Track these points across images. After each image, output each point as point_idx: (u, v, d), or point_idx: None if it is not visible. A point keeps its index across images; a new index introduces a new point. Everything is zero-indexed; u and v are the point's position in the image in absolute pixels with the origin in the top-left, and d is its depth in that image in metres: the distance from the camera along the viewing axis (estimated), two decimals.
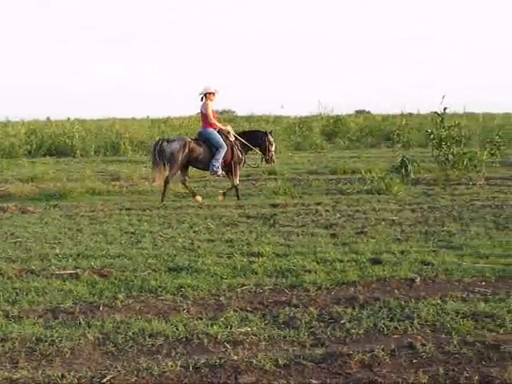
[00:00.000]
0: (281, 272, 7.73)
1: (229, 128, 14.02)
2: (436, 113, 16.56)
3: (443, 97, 16.37)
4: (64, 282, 7.46)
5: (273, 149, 14.32)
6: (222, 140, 13.53)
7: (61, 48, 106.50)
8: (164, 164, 13.39)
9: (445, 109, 16.31)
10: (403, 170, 15.44)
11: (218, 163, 13.45)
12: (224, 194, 13.72)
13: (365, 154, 23.45)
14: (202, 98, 13.78)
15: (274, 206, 12.68)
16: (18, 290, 7.15)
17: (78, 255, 8.69)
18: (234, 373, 5.02)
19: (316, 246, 8.97)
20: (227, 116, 39.82)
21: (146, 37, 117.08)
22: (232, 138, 13.76)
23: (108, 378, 4.95)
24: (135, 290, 7.14)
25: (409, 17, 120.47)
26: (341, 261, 8.14)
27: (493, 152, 16.78)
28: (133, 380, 4.93)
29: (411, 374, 4.96)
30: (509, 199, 12.97)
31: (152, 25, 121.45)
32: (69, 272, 7.85)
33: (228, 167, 13.78)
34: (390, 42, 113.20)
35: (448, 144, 15.91)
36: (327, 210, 12.02)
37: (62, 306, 6.64)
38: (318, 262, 8.10)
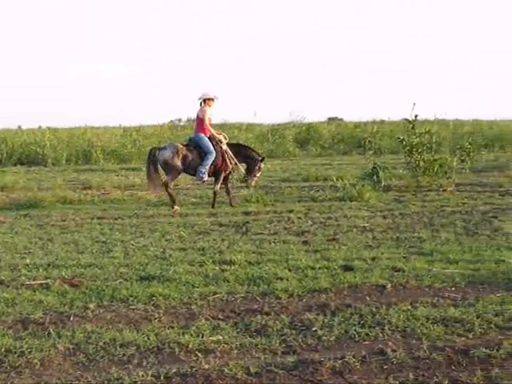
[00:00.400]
0: (253, 280, 7.73)
1: (221, 137, 14.03)
2: (407, 120, 16.67)
3: (414, 104, 16.53)
4: (34, 292, 7.40)
5: (258, 174, 14.48)
6: (211, 146, 13.55)
7: (32, 55, 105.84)
8: (158, 173, 13.46)
9: (416, 116, 16.43)
10: (375, 177, 15.55)
11: (204, 169, 13.48)
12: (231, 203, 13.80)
13: (337, 161, 23.57)
14: (201, 103, 13.80)
15: (247, 213, 12.69)
16: None
17: (49, 265, 8.61)
18: (206, 381, 5.01)
19: (288, 254, 8.98)
20: None
21: (118, 45, 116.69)
22: (224, 147, 13.77)
23: None
24: (106, 300, 7.10)
25: (379, 24, 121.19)
26: (312, 268, 8.17)
27: (463, 158, 16.92)
28: None
29: (382, 379, 4.99)
30: (478, 205, 13.09)
31: (123, 33, 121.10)
32: (39, 282, 7.79)
33: (216, 174, 13.83)
34: (360, 49, 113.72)
35: (419, 151, 16.03)
36: (299, 218, 12.04)
37: (32, 316, 6.57)
38: (289, 270, 8.12)
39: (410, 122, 16.45)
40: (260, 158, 14.42)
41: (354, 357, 5.38)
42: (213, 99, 13.88)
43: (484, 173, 18.74)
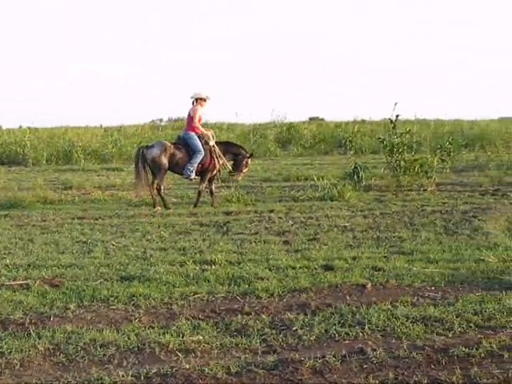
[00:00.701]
0: (233, 280, 7.73)
1: (210, 134, 14.03)
2: (390, 119, 16.70)
3: (395, 103, 16.55)
4: (14, 292, 7.36)
5: (245, 170, 14.55)
6: (200, 145, 13.57)
7: (12, 54, 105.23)
8: (146, 172, 13.40)
9: (397, 116, 16.47)
10: (355, 177, 15.60)
11: (192, 167, 13.49)
12: (195, 206, 13.73)
13: (318, 160, 23.62)
14: (193, 102, 13.81)
15: (228, 213, 12.69)
16: None
17: (29, 265, 8.58)
18: (186, 381, 5.01)
19: (269, 254, 9.00)
20: (181, 123, 39.78)
21: (99, 44, 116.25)
22: (211, 143, 13.78)
23: None
24: (87, 300, 7.08)
25: (362, 23, 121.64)
26: (293, 268, 8.18)
27: (443, 158, 16.99)
28: None
29: (362, 379, 5.02)
30: (458, 204, 13.17)
31: (104, 32, 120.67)
32: (19, 282, 7.75)
33: (203, 173, 13.82)
34: (342, 48, 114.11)
35: (400, 150, 16.06)
36: (280, 217, 12.06)
37: (11, 317, 6.54)
38: (270, 269, 8.14)
39: (391, 121, 16.48)
40: (248, 155, 14.49)
41: (334, 356, 5.40)
42: (205, 99, 13.91)
43: (464, 172, 18.84)
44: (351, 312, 6.52)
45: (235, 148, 14.66)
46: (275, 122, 33.22)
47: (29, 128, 31.28)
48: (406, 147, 16.20)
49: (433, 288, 7.37)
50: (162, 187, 13.48)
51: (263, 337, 5.95)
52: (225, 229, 11.08)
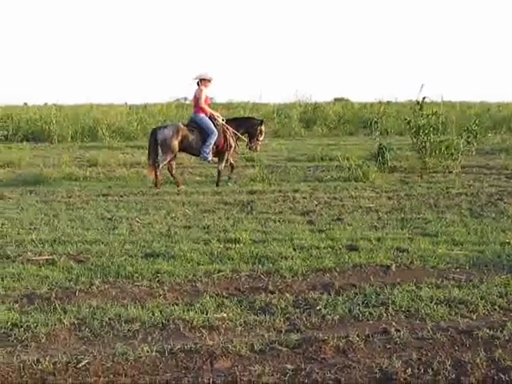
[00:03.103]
0: (257, 258, 7.75)
1: (217, 114, 14.04)
2: (416, 101, 16.56)
3: (422, 85, 16.43)
4: (40, 267, 7.44)
5: (261, 138, 14.49)
6: (213, 126, 13.58)
7: (38, 32, 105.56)
8: (157, 152, 13.37)
9: (424, 97, 16.34)
10: (380, 158, 15.51)
11: (208, 149, 13.50)
12: (217, 185, 13.77)
13: (343, 141, 23.52)
14: (198, 83, 13.80)
15: (252, 192, 12.69)
16: None
17: (55, 241, 8.66)
18: (210, 358, 5.05)
19: (293, 233, 9.00)
20: None
21: (126, 23, 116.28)
22: (221, 123, 13.79)
23: (84, 363, 4.95)
24: (111, 276, 7.13)
25: (388, 5, 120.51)
26: (317, 247, 8.18)
27: (469, 140, 16.84)
28: (108, 365, 4.94)
29: (385, 359, 5.01)
30: (484, 187, 13.07)
31: (128, 12, 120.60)
32: (45, 258, 7.83)
33: (220, 153, 13.84)
34: (368, 28, 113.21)
35: (425, 132, 15.94)
36: (304, 197, 12.05)
37: (37, 291, 6.62)
38: (294, 249, 8.13)
39: (418, 103, 16.35)
40: (259, 122, 14.51)
41: (357, 336, 5.40)
42: (209, 80, 13.87)
43: (490, 155, 18.68)
44: (375, 292, 6.52)
45: (245, 121, 14.73)
46: (300, 102, 33.06)
47: (54, 105, 31.38)
48: (431, 129, 16.06)
49: (457, 270, 7.33)
50: (161, 166, 13.35)
51: (287, 315, 5.97)
52: (249, 208, 11.09)
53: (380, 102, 33.38)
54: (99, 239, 8.73)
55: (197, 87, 13.84)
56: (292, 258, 7.69)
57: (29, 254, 8.03)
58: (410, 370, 4.82)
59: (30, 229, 9.48)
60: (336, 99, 44.23)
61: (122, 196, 12.39)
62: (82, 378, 4.76)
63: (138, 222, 9.96)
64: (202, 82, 13.78)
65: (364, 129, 27.60)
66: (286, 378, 4.74)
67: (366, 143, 21.23)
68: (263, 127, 14.46)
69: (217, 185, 13.65)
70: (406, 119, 17.23)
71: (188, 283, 6.93)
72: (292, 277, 7.10)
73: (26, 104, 39.38)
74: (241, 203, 11.52)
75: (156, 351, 5.16)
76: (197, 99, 13.77)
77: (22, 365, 4.93)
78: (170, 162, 13.57)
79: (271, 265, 7.47)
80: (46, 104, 35.64)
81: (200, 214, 10.63)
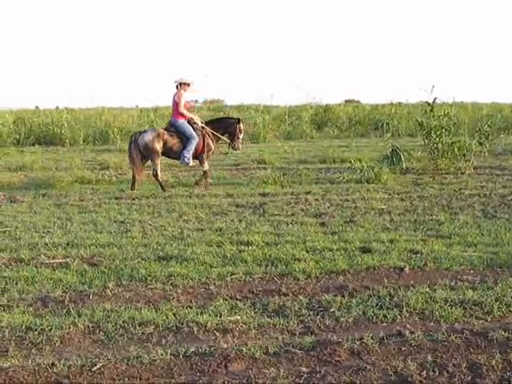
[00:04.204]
0: (270, 261, 7.74)
1: (196, 117, 14.04)
2: (427, 102, 16.52)
3: (433, 86, 16.37)
4: (54, 270, 7.47)
5: (241, 136, 14.38)
6: (192, 130, 13.52)
7: (48, 36, 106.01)
8: (139, 158, 13.36)
9: (435, 98, 16.29)
10: (393, 160, 15.47)
11: (189, 154, 13.46)
12: (196, 183, 13.88)
13: (354, 143, 23.45)
14: (177, 87, 13.75)
15: (264, 195, 12.69)
16: (7, 279, 7.16)
17: (68, 244, 8.69)
18: (224, 361, 5.04)
19: (305, 235, 8.99)
20: (216, 105, 39.77)
21: (138, 27, 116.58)
22: (200, 125, 13.73)
23: (98, 366, 4.96)
24: (125, 279, 7.15)
25: (399, 6, 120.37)
26: (330, 249, 8.17)
27: (481, 141, 16.79)
28: (123, 368, 4.94)
29: (400, 361, 5.00)
30: (497, 188, 13.01)
31: (139, 16, 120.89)
32: (58, 261, 7.85)
33: (199, 156, 13.79)
34: (378, 30, 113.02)
35: (437, 133, 15.89)
36: (317, 199, 12.03)
37: (51, 294, 6.65)
38: (307, 251, 8.13)
39: (429, 104, 16.30)
40: (236, 120, 14.46)
41: (371, 338, 5.39)
42: (189, 84, 13.78)
43: (503, 156, 18.57)
44: (389, 294, 6.51)
45: (222, 121, 14.59)
46: (311, 104, 33.03)
47: (66, 109, 31.46)
48: (443, 130, 16.02)
49: (471, 272, 7.31)
50: (159, 172, 13.36)
51: (301, 318, 5.97)
52: (261, 210, 11.09)
53: (391, 104, 33.30)
54: (112, 242, 8.75)
55: (176, 91, 13.76)
56: (305, 261, 7.68)
57: (42, 257, 8.05)
58: (424, 372, 4.81)
59: (44, 232, 9.51)
60: (347, 101, 44.18)
61: (134, 199, 12.42)
62: (96, 381, 4.77)
63: (150, 224, 9.97)
64: (182, 85, 13.69)
65: (375, 130, 27.57)
66: (301, 381, 4.73)
67: (377, 145, 21.19)
68: (241, 125, 14.34)
69: (205, 187, 13.61)
70: (417, 120, 17.19)
71: (201, 286, 6.93)
72: (305, 279, 7.09)
73: (37, 108, 39.45)
74: (253, 205, 11.52)
75: (170, 354, 5.16)
76: (176, 104, 13.66)
77: (36, 368, 4.94)
78: (144, 164, 13.58)
79: (284, 267, 7.47)
80: (57, 108, 35.70)
81: (212, 216, 10.64)
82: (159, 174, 13.40)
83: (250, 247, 8.32)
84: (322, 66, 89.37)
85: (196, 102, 47.62)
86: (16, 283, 7.02)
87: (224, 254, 8.01)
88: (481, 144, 16.78)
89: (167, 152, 13.56)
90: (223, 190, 13.25)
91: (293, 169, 16.26)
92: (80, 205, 11.89)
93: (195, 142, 13.46)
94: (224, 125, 14.30)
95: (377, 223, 9.84)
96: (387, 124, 25.96)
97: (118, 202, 12.14)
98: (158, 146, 13.25)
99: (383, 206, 11.21)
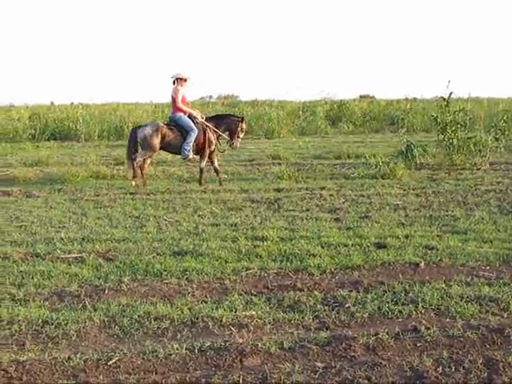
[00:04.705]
0: (285, 256, 7.74)
1: (196, 112, 14.03)
2: (442, 97, 16.45)
3: (449, 81, 16.30)
4: (69, 265, 7.50)
5: (242, 135, 14.29)
6: (192, 123, 13.49)
7: (64, 32, 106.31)
8: (136, 151, 13.42)
9: (450, 93, 16.21)
10: (408, 155, 15.42)
11: (189, 147, 13.42)
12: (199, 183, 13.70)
13: (369, 138, 23.44)
14: (174, 82, 13.73)
15: (279, 190, 12.69)
16: (23, 274, 7.20)
17: (83, 239, 8.72)
18: (240, 355, 5.04)
19: (320, 231, 8.98)
20: (231, 101, 39.79)
21: (151, 23, 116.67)
22: (200, 120, 13.70)
23: (114, 360, 4.98)
24: (140, 274, 7.17)
25: (412, 2, 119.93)
26: (345, 245, 8.16)
27: (497, 137, 16.70)
28: (139, 362, 4.96)
29: (415, 357, 4.98)
30: None
31: (153, 13, 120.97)
32: (74, 256, 7.89)
33: (201, 151, 13.76)
34: (393, 25, 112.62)
35: (453, 129, 15.82)
36: (331, 195, 12.02)
37: (67, 289, 6.68)
38: (322, 247, 8.12)
39: (444, 99, 16.23)
40: (239, 119, 14.36)
41: (387, 334, 5.38)
42: (185, 79, 13.75)
43: None
44: (404, 290, 6.50)
45: (225, 118, 14.46)
46: (325, 99, 33.00)
47: (81, 104, 31.59)
48: (459, 125, 15.94)
49: (487, 268, 7.28)
50: (138, 159, 13.34)
51: (316, 313, 5.97)
52: (276, 205, 11.08)
53: (406, 99, 33.22)
54: (127, 237, 8.78)
55: (173, 86, 13.74)
56: (320, 256, 7.67)
57: (58, 251, 8.09)
58: (440, 368, 4.79)
59: (59, 227, 9.56)
60: (361, 96, 44.13)
61: (149, 194, 12.45)
62: (112, 375, 4.78)
63: (165, 220, 10.00)
64: (179, 81, 13.66)
65: (390, 126, 27.53)
66: (316, 376, 4.72)
67: (392, 140, 21.16)
68: (244, 124, 14.27)
69: (199, 183, 13.59)
70: (432, 116, 17.11)
71: (216, 281, 6.94)
72: (320, 274, 7.09)
73: (52, 103, 39.62)
74: (268, 201, 11.52)
75: (185, 349, 5.17)
76: (173, 99, 13.66)
77: (53, 362, 4.97)
78: (145, 159, 13.57)
79: (299, 262, 7.47)
80: (72, 103, 35.83)
81: (227, 211, 10.64)
82: (137, 160, 13.33)
83: (265, 242, 8.32)
84: (337, 62, 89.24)
85: (210, 97, 47.77)
86: (32, 277, 7.06)
87: (239, 249, 8.02)
88: (497, 139, 16.68)
89: (166, 146, 13.56)
90: (238, 186, 13.27)
91: (307, 164, 16.27)
92: (95, 200, 11.94)
93: (195, 134, 13.42)
94: (226, 122, 14.19)
95: (392, 219, 9.81)
96: (402, 119, 25.91)
97: (132, 197, 12.17)
98: (157, 141, 13.25)
99: (398, 202, 11.18)
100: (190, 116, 13.62)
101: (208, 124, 13.76)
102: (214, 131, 13.84)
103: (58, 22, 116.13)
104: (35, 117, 27.22)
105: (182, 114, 13.58)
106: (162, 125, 13.59)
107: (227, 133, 14.19)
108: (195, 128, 13.44)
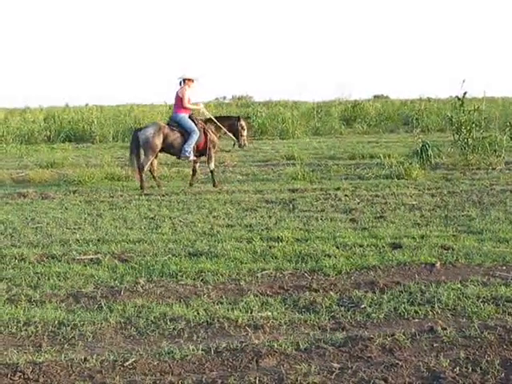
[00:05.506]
0: (301, 257, 7.74)
1: (201, 106, 14.14)
2: (456, 97, 16.39)
3: (463, 81, 16.23)
4: (85, 266, 7.53)
5: (244, 133, 14.23)
6: (193, 125, 13.48)
7: (78, 34, 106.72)
8: (139, 156, 13.38)
9: (465, 93, 16.15)
10: (423, 155, 15.36)
11: (189, 148, 13.39)
12: (214, 186, 13.60)
13: (383, 138, 23.39)
14: (181, 83, 13.72)
15: (293, 191, 12.68)
16: (39, 275, 7.23)
17: (99, 240, 8.75)
18: (256, 356, 5.04)
19: (335, 231, 8.97)
20: (245, 101, 39.81)
21: (163, 25, 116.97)
22: (204, 116, 13.79)
23: (130, 361, 4.99)
24: (156, 275, 7.18)
25: (426, 1, 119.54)
26: (360, 245, 8.14)
27: None
28: (155, 363, 4.96)
29: (432, 357, 4.96)
30: None
31: (168, 12, 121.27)
32: (90, 257, 7.91)
33: (201, 152, 13.75)
34: (408, 25, 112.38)
35: (468, 128, 15.76)
36: (346, 195, 12.00)
37: (83, 290, 6.70)
38: (337, 247, 8.11)
39: (459, 99, 16.17)
40: (236, 118, 14.36)
41: (403, 334, 5.37)
42: (192, 80, 13.75)
43: None
44: (420, 290, 6.47)
45: (225, 119, 14.45)
46: (340, 99, 32.99)
47: (95, 106, 31.72)
48: (474, 125, 15.88)
49: (504, 268, 7.23)
50: (146, 168, 13.34)
51: (331, 314, 5.95)
52: (291, 206, 11.08)
53: (420, 99, 33.13)
54: (143, 238, 8.80)
55: (179, 87, 13.72)
56: (335, 256, 7.66)
57: (74, 253, 8.12)
58: (457, 368, 4.77)
59: (75, 228, 9.59)
60: (375, 96, 44.08)
61: (163, 195, 12.48)
62: (128, 377, 4.79)
63: (180, 221, 10.01)
64: (186, 81, 13.65)
65: (404, 126, 27.45)
66: (333, 377, 4.71)
67: (406, 140, 21.09)
68: (242, 122, 14.23)
69: (214, 185, 13.57)
70: (447, 115, 17.04)
71: (232, 282, 6.94)
72: (336, 275, 7.07)
73: (67, 105, 39.83)
74: (282, 201, 11.51)
75: (201, 350, 5.17)
76: (179, 99, 13.60)
77: (69, 363, 4.98)
78: (152, 162, 13.54)
79: (315, 263, 7.46)
80: (86, 105, 36.01)
81: (242, 212, 10.64)
82: (145, 169, 13.36)
83: (280, 243, 8.31)
84: (351, 62, 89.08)
85: (224, 98, 47.83)
86: (48, 279, 7.08)
87: (254, 250, 8.02)
88: None
89: (167, 147, 13.52)
90: (253, 186, 13.27)
91: (322, 164, 16.25)
92: (110, 201, 11.97)
93: (196, 136, 13.42)
94: (228, 122, 14.20)
95: (407, 219, 9.78)
96: (416, 119, 25.82)
97: (147, 198, 12.20)
98: (158, 142, 13.24)
99: (413, 202, 11.14)
100: (190, 117, 13.62)
101: (211, 124, 13.82)
102: (216, 131, 13.87)
103: (72, 24, 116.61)
104: (50, 119, 27.42)
105: (184, 115, 13.58)
106: (164, 125, 13.60)
107: (231, 134, 14.20)
108: (196, 130, 13.44)
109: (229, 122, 14.23)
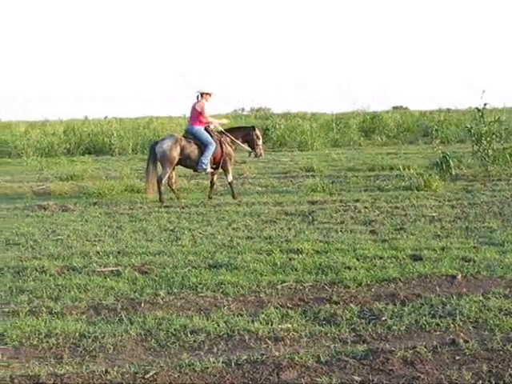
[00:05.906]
0: (321, 269, 7.71)
1: (224, 121, 14.26)
2: (477, 108, 16.32)
3: (483, 91, 16.16)
4: (105, 278, 7.55)
5: (260, 143, 14.23)
6: (209, 136, 13.50)
7: (97, 48, 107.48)
8: (156, 170, 13.43)
9: (485, 104, 16.08)
10: (444, 166, 15.28)
11: (206, 160, 13.42)
12: (233, 197, 13.66)
13: (403, 150, 23.32)
14: (198, 97, 13.76)
15: (313, 202, 12.66)
16: (60, 287, 7.25)
17: (119, 252, 8.78)
18: (276, 369, 5.02)
19: (355, 243, 8.93)
20: (263, 113, 39.87)
21: (181, 37, 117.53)
22: (224, 122, 13.84)
23: (151, 373, 4.98)
24: (176, 287, 7.18)
25: (445, 12, 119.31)
26: (381, 257, 8.11)
27: None
28: (175, 376, 4.96)
29: (454, 370, 4.92)
30: None
31: (187, 25, 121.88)
32: (110, 269, 7.93)
33: (218, 164, 13.76)
34: (426, 35, 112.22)
35: (488, 139, 15.68)
36: (366, 207, 11.96)
37: (104, 302, 6.71)
38: (357, 259, 8.08)
39: (479, 110, 16.11)
40: (251, 128, 14.39)
41: (425, 347, 5.33)
42: (210, 94, 13.77)
43: None
44: (441, 303, 6.43)
45: (239, 130, 14.48)
46: (358, 111, 32.97)
47: (114, 118, 31.92)
48: (494, 136, 15.80)
49: None
50: (164, 180, 13.36)
51: (352, 326, 5.93)
52: (310, 218, 11.06)
53: (440, 110, 33.03)
54: (162, 250, 8.81)
55: (196, 101, 13.73)
56: (355, 268, 7.63)
57: (94, 265, 8.14)
58: (480, 382, 4.73)
59: (95, 240, 9.63)
60: (394, 107, 44.01)
61: (183, 207, 12.50)
62: None
63: (200, 233, 10.02)
64: (204, 95, 13.69)
65: (424, 137, 27.37)
66: None
67: (426, 151, 21.04)
68: (257, 131, 14.26)
69: (233, 197, 13.58)
70: (467, 126, 16.97)
71: (252, 294, 6.93)
72: (356, 287, 7.04)
73: (86, 118, 40.10)
74: (302, 213, 11.50)
75: (222, 362, 5.16)
76: (197, 112, 13.60)
77: (91, 375, 4.99)
78: (169, 174, 13.54)
79: (335, 275, 7.43)
80: (106, 117, 36.24)
81: (261, 224, 10.64)
82: (163, 182, 13.39)
83: (300, 255, 8.30)
84: (370, 73, 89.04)
85: (243, 110, 47.90)
86: (69, 291, 7.11)
87: (274, 262, 8.00)
88: None
89: (184, 159, 13.51)
90: (272, 198, 13.25)
91: (341, 176, 16.23)
92: (130, 213, 12.01)
93: (213, 148, 13.44)
94: (243, 133, 14.26)
95: (427, 231, 9.73)
96: (436, 130, 25.72)
97: (167, 210, 12.23)
98: (175, 154, 13.26)
99: (434, 214, 11.09)
100: (206, 129, 13.64)
101: (227, 136, 13.86)
102: (232, 143, 13.90)
103: (91, 38, 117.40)
104: (70, 131, 27.63)
105: (199, 127, 13.59)
106: (180, 137, 13.60)
107: (246, 144, 14.25)
108: (213, 142, 13.47)
109: (244, 132, 14.28)
